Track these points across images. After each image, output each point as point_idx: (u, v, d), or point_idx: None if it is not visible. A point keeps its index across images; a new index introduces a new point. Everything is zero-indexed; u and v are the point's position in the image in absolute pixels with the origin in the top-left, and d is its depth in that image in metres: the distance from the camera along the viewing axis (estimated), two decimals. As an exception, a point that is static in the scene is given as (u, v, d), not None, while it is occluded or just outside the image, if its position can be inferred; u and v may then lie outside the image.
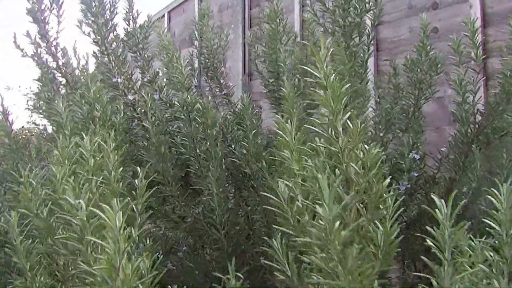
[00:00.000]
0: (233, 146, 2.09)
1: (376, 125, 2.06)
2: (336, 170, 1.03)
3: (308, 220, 1.03)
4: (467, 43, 1.92)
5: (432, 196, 1.05)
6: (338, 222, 0.91)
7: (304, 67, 1.05)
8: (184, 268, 2.01)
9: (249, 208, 1.96)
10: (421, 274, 1.09)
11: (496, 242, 1.06)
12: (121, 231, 1.00)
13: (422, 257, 1.04)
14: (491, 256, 1.05)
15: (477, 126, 1.77)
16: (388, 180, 1.04)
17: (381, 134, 2.03)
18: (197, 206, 1.86)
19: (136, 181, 1.35)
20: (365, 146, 1.02)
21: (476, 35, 1.79)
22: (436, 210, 1.00)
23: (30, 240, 1.40)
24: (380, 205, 1.04)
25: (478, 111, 1.81)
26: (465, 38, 1.94)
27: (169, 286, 1.18)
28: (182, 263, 2.03)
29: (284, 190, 1.02)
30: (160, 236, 2.16)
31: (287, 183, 1.05)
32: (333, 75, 0.98)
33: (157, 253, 2.00)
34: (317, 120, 1.03)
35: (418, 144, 1.98)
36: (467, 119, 1.78)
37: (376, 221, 1.03)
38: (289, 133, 1.09)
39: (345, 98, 1.00)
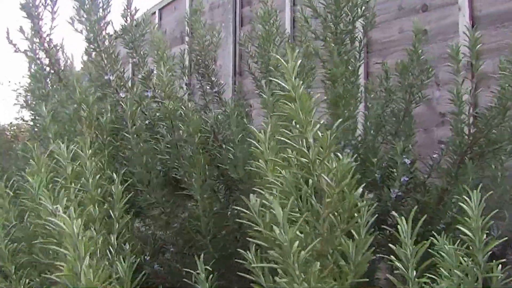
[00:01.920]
0: (223, 147, 1.94)
1: (367, 129, 1.90)
2: (309, 181, 0.98)
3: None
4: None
5: (393, 213, 1.03)
6: (296, 244, 0.88)
7: (273, 79, 0.96)
8: (171, 269, 1.87)
9: (236, 211, 1.80)
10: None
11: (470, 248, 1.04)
12: (79, 238, 0.95)
13: (388, 276, 1.02)
14: (465, 261, 1.02)
15: (471, 137, 1.62)
16: (360, 190, 0.98)
17: (371, 138, 1.88)
18: (183, 212, 1.71)
19: (112, 187, 1.23)
20: (337, 155, 0.96)
21: (476, 46, 1.62)
22: (398, 227, 0.98)
23: (15, 243, 1.32)
24: (354, 215, 0.99)
25: (473, 122, 1.65)
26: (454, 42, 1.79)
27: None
28: (169, 264, 1.88)
29: (255, 203, 0.95)
30: (149, 235, 2.01)
31: (261, 192, 0.99)
32: (302, 86, 0.93)
33: (144, 255, 1.87)
34: (287, 132, 0.98)
35: (409, 148, 1.84)
36: (462, 130, 1.63)
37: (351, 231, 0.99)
38: (263, 143, 1.04)
39: (314, 110, 0.95)
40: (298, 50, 0.98)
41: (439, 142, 2.70)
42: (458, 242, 1.03)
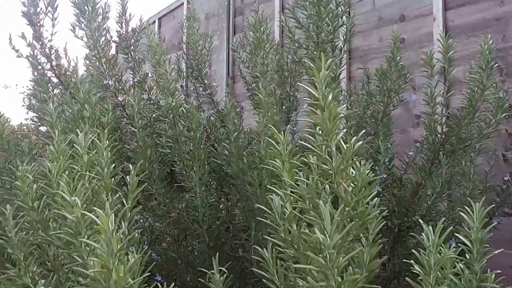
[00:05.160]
0: (216, 146, 2.02)
1: (348, 130, 2.00)
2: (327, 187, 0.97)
3: (298, 232, 0.97)
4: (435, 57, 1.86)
5: (420, 221, 1.02)
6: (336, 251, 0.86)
7: (303, 85, 0.98)
8: (168, 258, 1.94)
9: (230, 203, 1.88)
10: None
11: (467, 257, 1.03)
12: (114, 234, 0.95)
13: (407, 279, 0.99)
14: (461, 269, 1.02)
15: (443, 136, 1.73)
16: (377, 199, 0.97)
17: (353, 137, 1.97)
18: (181, 202, 1.79)
19: (128, 177, 1.28)
20: (357, 164, 0.95)
21: (448, 53, 1.73)
22: (423, 235, 0.95)
23: (24, 232, 1.34)
24: (367, 223, 0.98)
25: (445, 122, 1.76)
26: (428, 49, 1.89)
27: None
28: (166, 253, 1.96)
29: (278, 205, 0.95)
30: (146, 227, 2.08)
31: (281, 194, 0.98)
32: (331, 96, 0.91)
33: (143, 244, 1.94)
34: (311, 138, 0.95)
35: (388, 147, 1.94)
36: (435, 129, 1.74)
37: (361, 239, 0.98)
38: (282, 144, 1.02)
39: (339, 121, 0.93)
40: (330, 61, 0.98)
41: (415, 142, 2.82)
42: (451, 247, 1.02)
